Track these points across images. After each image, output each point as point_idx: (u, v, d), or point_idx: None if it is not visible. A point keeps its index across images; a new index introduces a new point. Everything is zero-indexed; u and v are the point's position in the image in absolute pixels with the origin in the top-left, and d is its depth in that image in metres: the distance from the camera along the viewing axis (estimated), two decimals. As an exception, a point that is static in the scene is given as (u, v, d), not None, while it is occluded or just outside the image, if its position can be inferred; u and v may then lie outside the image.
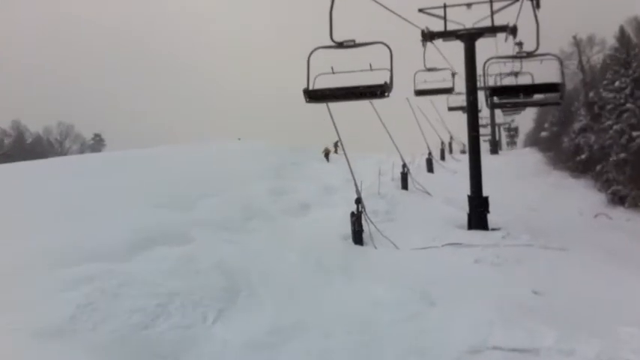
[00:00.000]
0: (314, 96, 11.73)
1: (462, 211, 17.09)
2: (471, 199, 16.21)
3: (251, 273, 10.64)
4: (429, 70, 19.60)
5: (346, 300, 9.96)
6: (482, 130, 48.76)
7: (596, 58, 36.09)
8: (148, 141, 55.60)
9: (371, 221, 14.55)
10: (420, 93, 21.26)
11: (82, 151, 64.18)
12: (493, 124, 45.27)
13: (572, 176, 27.37)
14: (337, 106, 14.25)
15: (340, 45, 11.46)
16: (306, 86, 11.68)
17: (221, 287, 9.68)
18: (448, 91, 21.47)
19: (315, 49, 11.69)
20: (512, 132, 57.11)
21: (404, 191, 21.68)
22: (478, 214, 15.87)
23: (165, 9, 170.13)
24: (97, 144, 73.67)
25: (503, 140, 57.77)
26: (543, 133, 38.91)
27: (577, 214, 19.80)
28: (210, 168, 20.60)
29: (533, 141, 47.62)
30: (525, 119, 52.09)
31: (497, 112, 43.47)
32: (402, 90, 22.05)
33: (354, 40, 11.35)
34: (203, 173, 19.34)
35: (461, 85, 20.63)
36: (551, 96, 14.69)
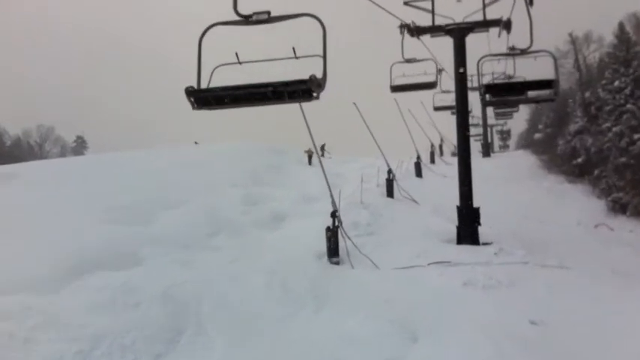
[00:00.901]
0: (203, 99, 7.66)
1: (450, 222, 15.69)
2: (460, 210, 14.74)
3: (203, 304, 9.14)
4: (408, 61, 16.92)
5: (312, 336, 8.51)
6: (473, 131, 47.56)
7: (594, 56, 34.69)
8: (138, 145, 54.33)
9: (348, 237, 13.07)
10: (397, 89, 18.58)
11: (62, 154, 62.30)
12: (485, 125, 43.87)
13: (569, 181, 25.93)
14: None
15: (247, 20, 7.55)
16: (194, 84, 7.77)
17: (162, 325, 8.18)
18: (430, 86, 19.06)
19: (210, 27, 7.86)
20: (505, 134, 55.92)
21: (389, 199, 20.18)
22: (468, 227, 14.42)
23: (160, 12, 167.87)
24: (79, 147, 71.84)
25: (496, 142, 56.64)
26: (537, 135, 37.57)
27: (575, 224, 18.36)
28: (180, 174, 19.00)
29: (527, 143, 46.29)
30: (518, 120, 50.61)
31: (490, 113, 42.18)
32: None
33: (268, 13, 7.51)
34: (170, 180, 17.75)
35: (448, 83, 19.02)
36: (545, 93, 13.91)
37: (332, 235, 12.73)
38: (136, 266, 10.34)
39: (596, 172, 23.65)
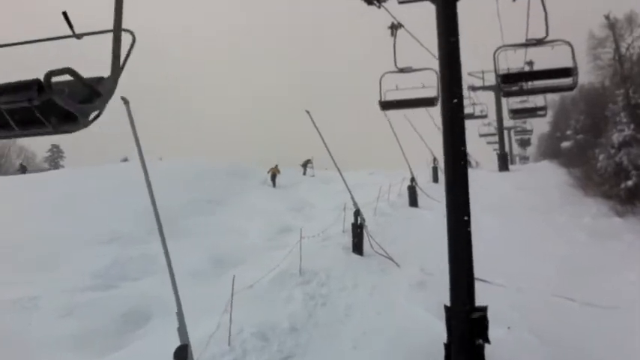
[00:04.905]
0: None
1: (440, 315, 9.15)
2: (450, 315, 8.00)
3: None
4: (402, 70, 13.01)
5: None
6: (483, 129, 40.42)
7: (638, 44, 27.47)
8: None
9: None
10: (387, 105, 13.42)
11: (22, 169, 55.20)
12: (501, 129, 36.50)
13: (616, 212, 18.98)
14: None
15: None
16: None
17: None
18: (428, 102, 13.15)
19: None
20: (524, 142, 48.44)
21: (354, 258, 13.55)
22: (465, 348, 7.74)
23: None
24: (54, 157, 65.30)
25: (515, 150, 49.31)
26: (565, 144, 30.69)
27: (646, 305, 11.54)
28: (21, 224, 12.52)
29: (552, 152, 38.99)
30: (539, 122, 42.95)
31: (505, 115, 35.21)
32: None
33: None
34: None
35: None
36: (564, 81, 11.77)
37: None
38: None
39: (657, 203, 16.78)
